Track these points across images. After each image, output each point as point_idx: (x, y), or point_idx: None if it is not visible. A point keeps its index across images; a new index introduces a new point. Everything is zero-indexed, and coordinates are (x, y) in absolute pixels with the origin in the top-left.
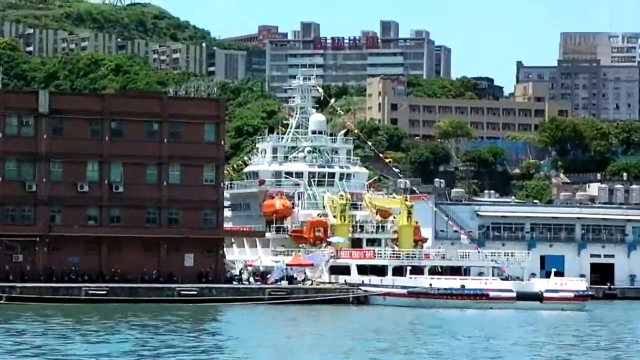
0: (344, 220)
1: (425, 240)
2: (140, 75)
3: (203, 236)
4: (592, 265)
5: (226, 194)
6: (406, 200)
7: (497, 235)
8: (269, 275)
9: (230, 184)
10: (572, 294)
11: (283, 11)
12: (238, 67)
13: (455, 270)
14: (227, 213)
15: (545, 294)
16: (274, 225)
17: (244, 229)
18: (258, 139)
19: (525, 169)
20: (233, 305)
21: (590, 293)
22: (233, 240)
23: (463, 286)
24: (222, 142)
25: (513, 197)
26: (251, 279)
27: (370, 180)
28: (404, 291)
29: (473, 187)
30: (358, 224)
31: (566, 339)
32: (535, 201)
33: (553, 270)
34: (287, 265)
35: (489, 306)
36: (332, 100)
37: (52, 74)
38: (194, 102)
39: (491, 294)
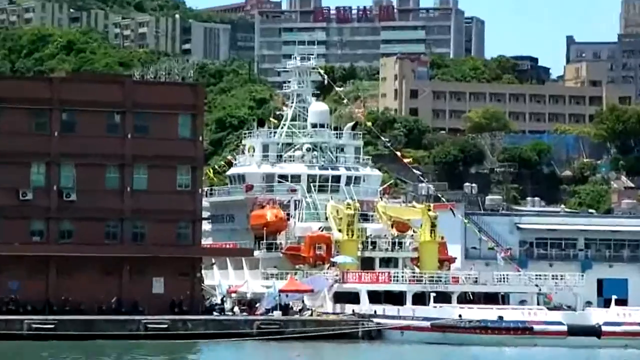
0: (352, 235)
1: (454, 260)
2: (98, 54)
3: (176, 255)
4: None
5: (205, 202)
6: (429, 209)
7: (543, 254)
8: (258, 304)
9: (211, 190)
10: (638, 328)
11: None
12: (220, 44)
13: (490, 298)
14: (207, 226)
15: (604, 328)
16: (265, 241)
17: (227, 246)
18: (245, 133)
19: (578, 170)
20: (213, 342)
21: None
22: (214, 261)
23: (501, 317)
24: (201, 138)
25: (563, 206)
26: (236, 309)
27: (385, 185)
28: (427, 324)
29: (512, 193)
30: (369, 240)
31: None
32: (590, 211)
33: (614, 297)
34: (280, 291)
35: (533, 343)
36: (337, 86)
37: None
38: (165, 88)
39: (536, 327)
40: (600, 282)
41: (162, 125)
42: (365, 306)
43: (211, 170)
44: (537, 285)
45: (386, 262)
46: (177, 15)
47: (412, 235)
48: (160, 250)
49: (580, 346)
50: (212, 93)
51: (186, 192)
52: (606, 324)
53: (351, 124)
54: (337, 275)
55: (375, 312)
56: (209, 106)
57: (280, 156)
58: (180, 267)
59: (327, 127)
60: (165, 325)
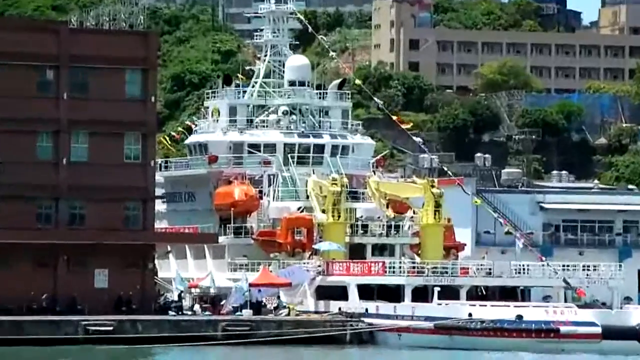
0: (338, 217)
1: (462, 247)
2: None
3: (123, 242)
4: None
5: (159, 177)
6: (432, 186)
7: (572, 240)
8: (223, 302)
9: (166, 162)
10: None
11: None
12: None
13: (507, 293)
14: (161, 207)
15: None
16: (232, 225)
17: (187, 231)
18: (207, 93)
19: (614, 137)
20: (169, 348)
21: None
22: (169, 249)
23: (520, 317)
24: (153, 99)
25: (596, 181)
26: (197, 307)
27: (379, 157)
28: (430, 325)
29: (535, 165)
30: (359, 223)
31: None
32: (630, 187)
33: None
34: (251, 285)
35: (559, 348)
36: (321, 35)
37: None
38: (108, 37)
39: (563, 329)
40: None
41: (106, 83)
42: (354, 303)
43: (166, 138)
44: (564, 278)
45: (380, 249)
46: None
47: (412, 217)
48: (103, 236)
49: (617, 352)
50: (167, 44)
51: (136, 164)
52: None
53: (337, 81)
54: (320, 266)
55: (366, 310)
56: (163, 60)
57: (251, 121)
58: (128, 257)
59: (308, 86)
60: (110, 328)
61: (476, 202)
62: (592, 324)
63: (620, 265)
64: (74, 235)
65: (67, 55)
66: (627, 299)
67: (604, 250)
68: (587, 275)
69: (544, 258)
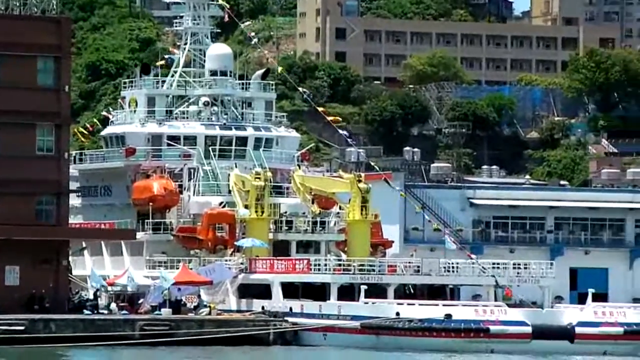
0: (262, 212)
1: (390, 244)
2: None
3: (36, 238)
4: None
5: (73, 170)
6: (359, 180)
7: (503, 237)
8: (141, 300)
9: (81, 154)
10: (620, 330)
11: None
12: None
13: (436, 292)
14: (75, 201)
15: (577, 330)
16: (151, 220)
17: (103, 226)
18: (124, 83)
19: (546, 131)
20: (84, 348)
21: None
22: (84, 245)
23: (449, 316)
24: (67, 88)
25: (528, 177)
26: (113, 306)
27: (304, 150)
28: (356, 324)
29: (465, 160)
30: (284, 219)
31: None
32: (562, 183)
33: (590, 291)
34: (171, 284)
35: (489, 348)
36: (243, 23)
37: None
38: (19, 22)
39: (492, 328)
40: (573, 273)
41: (16, 71)
42: (278, 302)
43: (81, 130)
44: (494, 276)
45: (305, 246)
46: None
47: (338, 213)
48: (14, 231)
49: (548, 352)
50: (82, 30)
51: (48, 157)
52: (581, 324)
53: (261, 71)
54: (242, 264)
55: (291, 309)
56: (77, 47)
57: (171, 112)
58: (40, 253)
59: (231, 76)
60: (22, 327)
61: (402, 195)
62: (523, 323)
63: (551, 264)
64: None
65: None
66: (559, 298)
67: (535, 248)
68: (518, 273)
69: (473, 256)
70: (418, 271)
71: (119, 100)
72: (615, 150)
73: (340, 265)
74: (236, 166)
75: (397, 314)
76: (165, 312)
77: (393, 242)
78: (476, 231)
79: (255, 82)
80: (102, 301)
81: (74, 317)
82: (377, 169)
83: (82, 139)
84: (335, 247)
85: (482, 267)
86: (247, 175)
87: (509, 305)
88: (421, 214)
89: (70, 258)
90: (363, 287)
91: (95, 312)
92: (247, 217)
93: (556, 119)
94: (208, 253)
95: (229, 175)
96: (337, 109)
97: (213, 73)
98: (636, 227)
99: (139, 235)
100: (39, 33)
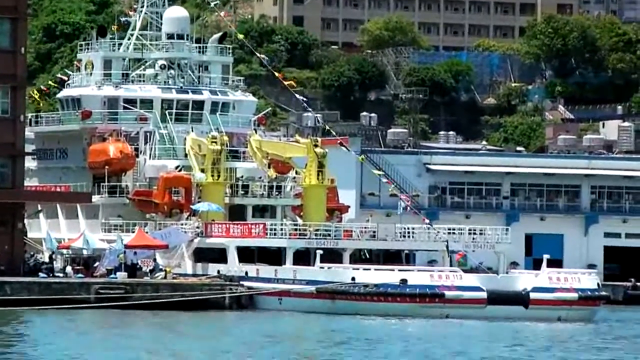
0: (218, 176)
1: (346, 209)
2: None
3: None
4: (608, 250)
5: (29, 133)
6: (316, 145)
7: (458, 203)
8: (97, 264)
9: (36, 117)
10: (575, 295)
11: None
12: None
13: (391, 257)
14: (31, 164)
15: (532, 295)
16: (106, 183)
17: (58, 189)
18: (81, 45)
19: (503, 97)
20: (39, 312)
21: (604, 294)
22: (40, 208)
23: (404, 281)
24: (23, 50)
25: (484, 143)
26: (69, 269)
27: (260, 115)
28: (312, 289)
29: (422, 125)
30: (240, 183)
31: None
32: (519, 149)
33: (545, 257)
34: (126, 247)
35: (443, 313)
36: None
37: None
38: None
39: (448, 293)
40: (529, 239)
41: None
42: (234, 266)
43: (37, 92)
44: (446, 242)
45: (261, 211)
46: None
47: (295, 177)
48: None
49: (502, 318)
50: None
51: (4, 119)
52: (535, 290)
53: (218, 35)
54: (198, 228)
55: (246, 273)
56: (33, 9)
57: (127, 75)
58: None
59: (187, 39)
60: None
61: (361, 159)
62: (478, 288)
63: (507, 229)
64: None
65: None
66: (514, 264)
67: (491, 214)
68: (473, 239)
69: (429, 221)
70: (374, 236)
71: (75, 62)
72: (572, 117)
73: (296, 230)
74: (192, 130)
75: (353, 278)
76: (121, 276)
77: (349, 207)
78: (432, 197)
79: (212, 46)
80: (57, 264)
81: (30, 280)
82: (334, 133)
83: (38, 100)
84: (292, 211)
85: (438, 232)
86: (203, 139)
87: (465, 271)
88: (377, 179)
89: (26, 221)
90: (319, 252)
91: (51, 275)
92: (204, 181)
93: (513, 84)
94: (164, 217)
95: (185, 139)
96: (295, 73)
97: (170, 36)
98: (591, 193)
99: (95, 198)
100: None
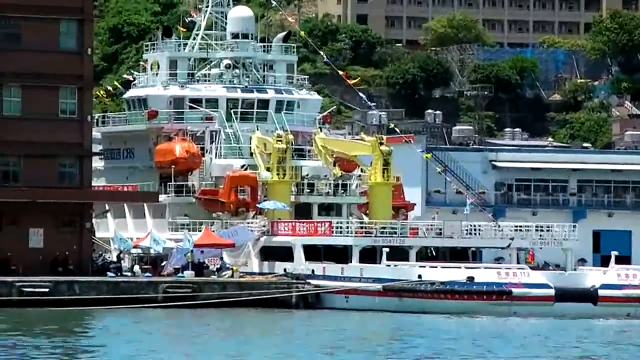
0: (284, 175)
1: (412, 206)
2: None
3: (59, 200)
4: None
5: (96, 133)
6: (381, 143)
7: (525, 200)
8: (164, 263)
9: (103, 117)
10: None
11: None
12: None
13: (458, 255)
14: (98, 164)
15: (601, 292)
16: (173, 183)
17: (125, 189)
18: (147, 46)
19: (569, 94)
20: (108, 310)
21: None
22: (107, 207)
23: (471, 279)
24: (90, 51)
25: (550, 139)
26: (136, 268)
27: (325, 113)
28: (378, 287)
29: (487, 122)
30: (305, 182)
31: None
32: (585, 145)
33: (614, 254)
34: (193, 246)
35: (511, 310)
36: None
37: None
38: None
39: (515, 291)
40: (597, 235)
41: (39, 33)
42: (300, 264)
43: (103, 93)
44: (511, 239)
45: (327, 209)
46: None
47: (360, 175)
48: (38, 194)
49: (571, 315)
50: None
51: (71, 119)
52: (604, 287)
53: (282, 34)
54: (264, 226)
55: (313, 272)
56: (100, 10)
57: (193, 75)
58: (64, 216)
59: (252, 38)
60: (46, 289)
61: (427, 156)
62: (545, 285)
63: (574, 226)
64: (8, 193)
65: None
66: (582, 261)
67: (558, 211)
68: (540, 236)
69: (493, 218)
70: (440, 234)
71: (141, 63)
72: (639, 113)
73: (362, 227)
74: (258, 129)
75: (419, 276)
76: (188, 275)
77: (415, 204)
78: (498, 194)
79: (276, 45)
80: (125, 263)
81: (98, 279)
82: (399, 131)
83: (105, 100)
84: (357, 209)
85: (505, 230)
86: (269, 138)
87: (532, 269)
88: (443, 176)
89: (94, 220)
90: (385, 250)
91: (119, 274)
92: (269, 179)
93: (579, 81)
94: (230, 216)
95: (250, 137)
96: (359, 71)
97: (235, 36)
98: None
99: (162, 197)
100: None
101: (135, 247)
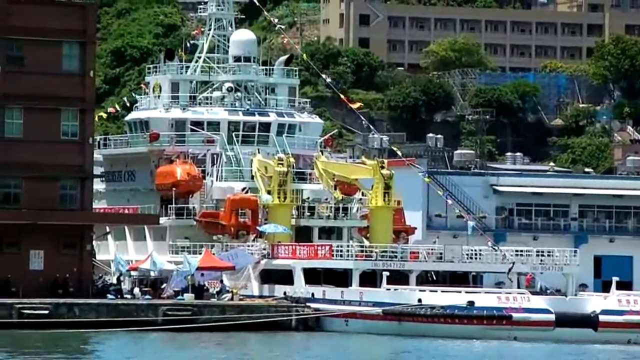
0: (284, 198)
1: (413, 230)
2: None
3: (59, 222)
4: None
5: (97, 155)
6: (382, 167)
7: (526, 224)
8: (164, 285)
9: (105, 139)
10: None
11: None
12: None
13: (459, 279)
14: (99, 186)
15: (601, 317)
16: (174, 205)
17: (126, 211)
18: (149, 68)
19: (571, 118)
20: (108, 333)
21: None
22: (108, 229)
23: (471, 303)
24: (92, 73)
25: (552, 164)
26: (137, 291)
27: (327, 136)
28: (378, 310)
29: (488, 147)
30: (306, 205)
31: None
32: (587, 170)
33: (615, 279)
34: (197, 269)
35: (511, 335)
36: (267, 10)
37: None
38: (45, 8)
39: (515, 315)
40: (598, 260)
41: (42, 55)
42: (300, 288)
43: (105, 115)
44: (512, 263)
45: (327, 232)
46: None
47: (361, 199)
48: (39, 215)
49: (571, 340)
50: (107, 16)
51: (73, 141)
52: (605, 312)
53: (284, 57)
54: (264, 249)
55: (313, 295)
56: (102, 33)
57: (194, 98)
58: (65, 238)
59: (254, 62)
60: (46, 311)
61: (428, 181)
62: (546, 311)
63: (575, 251)
64: (8, 215)
65: (2, 27)
66: (583, 286)
67: (559, 236)
68: (541, 261)
69: (494, 242)
70: (440, 258)
71: (143, 85)
72: None
73: (362, 251)
74: (259, 152)
75: (419, 300)
76: (188, 297)
77: (416, 228)
78: (499, 218)
79: (278, 68)
80: (125, 286)
81: (98, 301)
82: (400, 155)
83: (106, 123)
84: (358, 233)
85: (506, 254)
86: (269, 161)
87: (533, 293)
88: (444, 200)
89: (94, 242)
90: (385, 274)
91: (119, 296)
92: (270, 202)
93: (581, 106)
94: (230, 238)
95: (251, 161)
96: (360, 95)
97: (237, 59)
98: None
99: (162, 220)
100: (65, 18)
101: (132, 269)
